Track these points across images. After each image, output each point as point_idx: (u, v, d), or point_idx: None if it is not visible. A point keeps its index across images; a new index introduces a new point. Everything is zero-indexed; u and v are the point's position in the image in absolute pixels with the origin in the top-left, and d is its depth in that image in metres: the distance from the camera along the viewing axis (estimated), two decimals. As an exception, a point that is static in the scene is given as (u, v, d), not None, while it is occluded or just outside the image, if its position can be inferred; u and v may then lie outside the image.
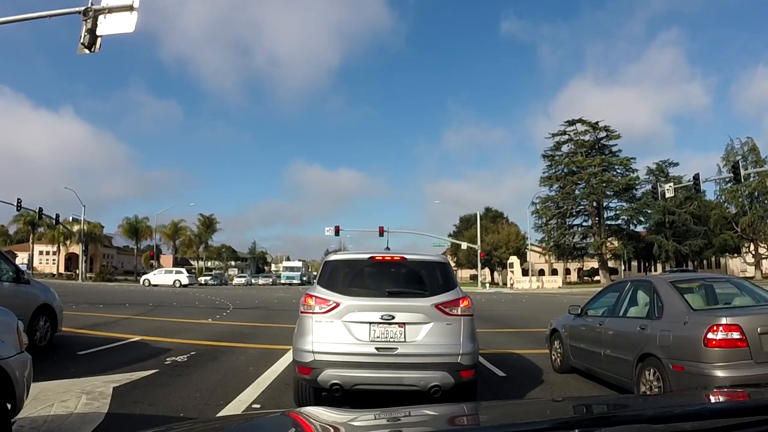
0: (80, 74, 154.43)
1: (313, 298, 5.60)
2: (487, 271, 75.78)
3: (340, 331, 5.42)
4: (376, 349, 5.34)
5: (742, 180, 33.24)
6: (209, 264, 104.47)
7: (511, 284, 61.84)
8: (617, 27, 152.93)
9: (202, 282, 70.13)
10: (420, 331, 5.42)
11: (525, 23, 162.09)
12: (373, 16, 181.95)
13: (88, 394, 6.26)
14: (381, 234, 52.03)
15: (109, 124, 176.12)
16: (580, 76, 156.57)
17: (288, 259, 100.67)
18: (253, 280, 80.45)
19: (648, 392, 5.75)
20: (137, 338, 11.59)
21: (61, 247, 77.63)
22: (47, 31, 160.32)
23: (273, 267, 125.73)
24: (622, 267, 66.39)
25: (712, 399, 2.19)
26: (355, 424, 1.78)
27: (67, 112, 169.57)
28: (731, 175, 32.06)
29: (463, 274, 79.74)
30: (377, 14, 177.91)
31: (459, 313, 5.55)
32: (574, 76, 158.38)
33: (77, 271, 69.17)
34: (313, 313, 5.53)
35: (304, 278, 76.70)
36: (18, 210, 50.47)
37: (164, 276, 54.89)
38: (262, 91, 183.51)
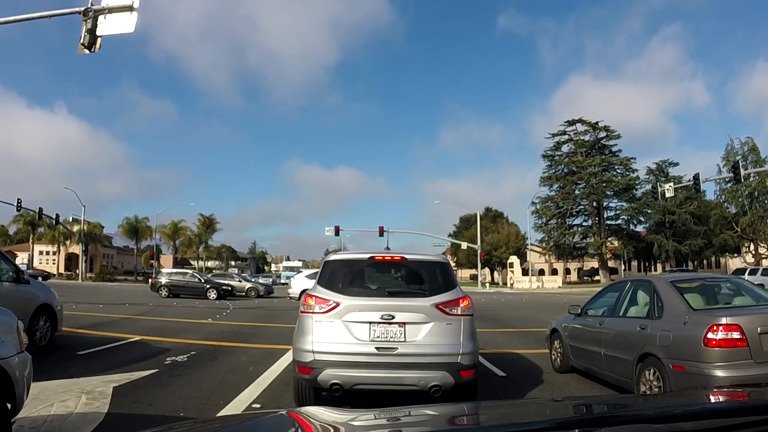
0: (75, 73, 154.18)
1: (313, 297, 5.60)
2: (487, 271, 75.77)
3: (340, 331, 5.42)
4: (376, 348, 5.34)
5: (742, 180, 33.22)
6: (209, 264, 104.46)
7: (511, 284, 61.83)
8: (617, 23, 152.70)
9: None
10: (420, 330, 5.42)
11: (524, 19, 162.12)
12: (371, 12, 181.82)
13: (88, 393, 6.26)
14: (381, 234, 52.05)
15: (107, 124, 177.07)
16: (579, 72, 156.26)
17: (288, 259, 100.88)
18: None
19: (648, 392, 5.75)
20: (137, 338, 11.60)
21: (61, 247, 77.68)
22: (42, 30, 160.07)
23: (273, 267, 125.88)
24: (622, 267, 66.39)
25: (712, 399, 2.19)
26: (355, 424, 1.78)
27: (64, 112, 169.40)
28: (731, 174, 32.06)
29: (463, 274, 79.72)
30: (375, 10, 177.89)
31: (459, 312, 5.55)
32: (573, 73, 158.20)
33: (77, 271, 69.22)
34: (313, 312, 5.53)
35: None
36: (18, 210, 50.48)
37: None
38: (259, 89, 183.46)
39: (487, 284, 66.76)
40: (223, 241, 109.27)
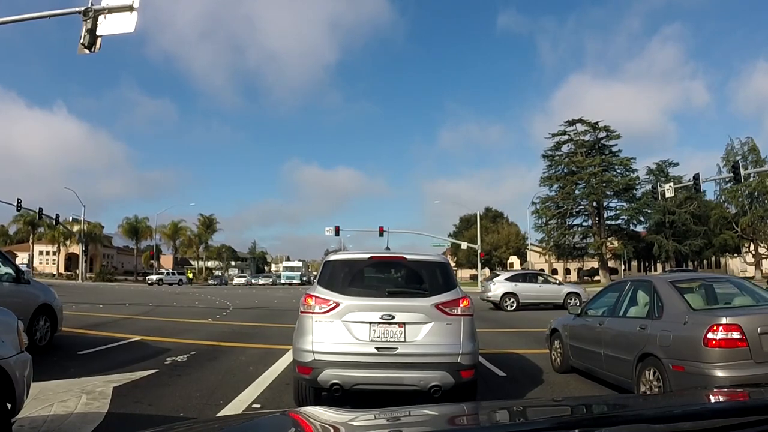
0: (74, 73, 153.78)
1: (313, 297, 5.60)
2: (487, 271, 75.69)
3: (340, 331, 5.42)
4: (376, 348, 5.34)
5: (742, 180, 33.20)
6: (209, 264, 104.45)
7: (511, 284, 61.68)
8: (617, 23, 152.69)
9: (152, 281, 59.54)
10: (420, 330, 5.42)
11: (524, 19, 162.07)
12: (371, 12, 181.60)
13: (88, 393, 6.26)
14: (381, 234, 52.00)
15: (106, 124, 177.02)
16: (579, 72, 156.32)
17: (288, 259, 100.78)
18: (253, 280, 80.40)
19: (648, 392, 5.75)
20: (137, 338, 11.60)
21: (61, 247, 77.66)
22: (41, 30, 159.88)
23: (273, 267, 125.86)
24: (622, 267, 66.40)
25: (712, 399, 2.19)
26: (355, 424, 1.78)
27: (63, 112, 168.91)
28: (731, 174, 32.05)
29: (463, 274, 79.73)
30: (375, 10, 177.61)
31: (459, 312, 5.55)
32: (573, 73, 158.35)
33: (77, 271, 69.22)
34: (313, 312, 5.53)
35: (304, 278, 76.66)
36: (18, 210, 50.48)
37: None
38: (259, 89, 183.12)
39: (487, 284, 66.65)
40: (223, 241, 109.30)
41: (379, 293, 5.80)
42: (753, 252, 59.61)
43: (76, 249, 72.97)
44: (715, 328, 5.21)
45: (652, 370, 5.83)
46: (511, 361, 9.48)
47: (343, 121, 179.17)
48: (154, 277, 63.21)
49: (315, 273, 11.64)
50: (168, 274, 66.35)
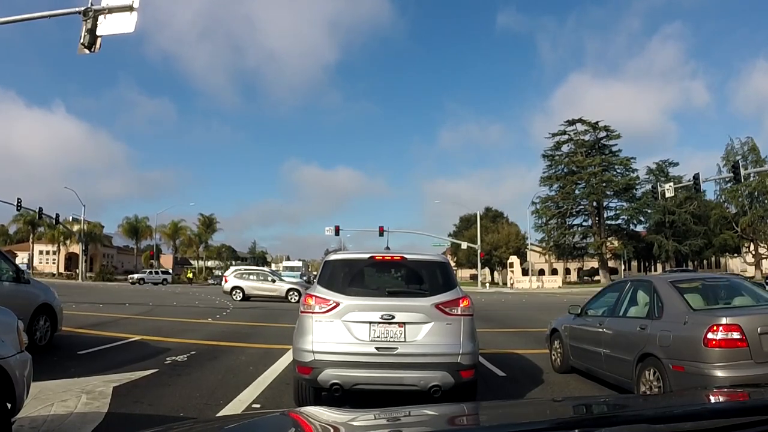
0: (73, 73, 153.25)
1: (313, 297, 5.60)
2: (487, 270, 75.78)
3: (340, 331, 5.42)
4: (376, 348, 5.34)
5: (742, 180, 33.25)
6: (209, 263, 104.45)
7: (511, 284, 61.87)
8: (617, 22, 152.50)
9: (133, 280, 58.77)
10: (420, 330, 5.43)
11: (524, 18, 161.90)
12: (370, 12, 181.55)
13: (88, 393, 6.26)
14: (381, 234, 52.12)
15: (106, 124, 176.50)
16: (579, 72, 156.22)
17: (288, 259, 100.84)
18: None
19: (648, 392, 5.76)
20: (137, 338, 11.59)
21: (61, 247, 77.65)
22: (40, 30, 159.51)
23: (273, 267, 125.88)
24: (622, 267, 66.42)
25: (712, 399, 2.19)
26: (355, 424, 1.78)
27: (62, 112, 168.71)
28: (731, 174, 32.07)
29: (463, 273, 79.71)
30: (375, 10, 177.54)
31: (459, 312, 5.55)
32: (573, 72, 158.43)
33: (77, 270, 69.22)
34: (313, 312, 5.53)
35: (304, 278, 76.68)
36: (18, 210, 50.52)
37: None
38: (258, 89, 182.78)
39: (487, 284, 66.79)
40: (223, 241, 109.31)
41: (379, 293, 5.80)
42: (753, 252, 59.66)
43: (76, 249, 72.94)
44: (715, 328, 5.21)
45: (652, 370, 5.83)
46: (511, 361, 9.48)
47: (343, 121, 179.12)
48: (136, 276, 61.21)
49: (315, 273, 11.64)
50: (151, 272, 63.23)
